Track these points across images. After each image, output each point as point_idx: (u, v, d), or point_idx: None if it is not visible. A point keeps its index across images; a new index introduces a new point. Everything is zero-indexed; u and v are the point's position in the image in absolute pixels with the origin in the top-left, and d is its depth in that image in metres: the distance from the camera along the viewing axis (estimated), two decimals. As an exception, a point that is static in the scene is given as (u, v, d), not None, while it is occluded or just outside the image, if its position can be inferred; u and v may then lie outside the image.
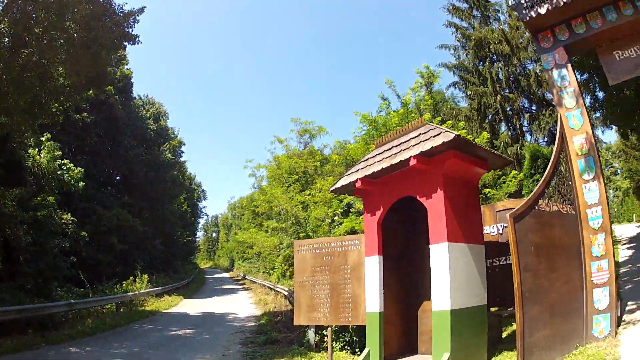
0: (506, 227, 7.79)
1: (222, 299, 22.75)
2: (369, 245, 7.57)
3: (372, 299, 7.33)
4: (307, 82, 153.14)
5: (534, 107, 21.56)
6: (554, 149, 6.85)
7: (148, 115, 33.51)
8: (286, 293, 16.63)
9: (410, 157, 6.52)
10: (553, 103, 7.18)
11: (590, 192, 6.57)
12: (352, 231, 14.49)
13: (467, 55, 22.41)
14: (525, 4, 7.19)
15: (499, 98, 20.57)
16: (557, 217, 6.46)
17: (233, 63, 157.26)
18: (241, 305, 18.90)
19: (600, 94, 14.36)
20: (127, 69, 28.17)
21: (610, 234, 6.46)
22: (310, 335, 9.60)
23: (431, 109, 15.88)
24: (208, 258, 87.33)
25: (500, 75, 20.97)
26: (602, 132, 24.24)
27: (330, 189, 8.44)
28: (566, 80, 7.02)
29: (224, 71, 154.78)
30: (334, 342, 9.14)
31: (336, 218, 15.76)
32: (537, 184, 14.64)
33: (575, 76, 7.14)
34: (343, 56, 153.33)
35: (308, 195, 17.61)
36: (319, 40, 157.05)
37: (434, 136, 6.44)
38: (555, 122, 15.88)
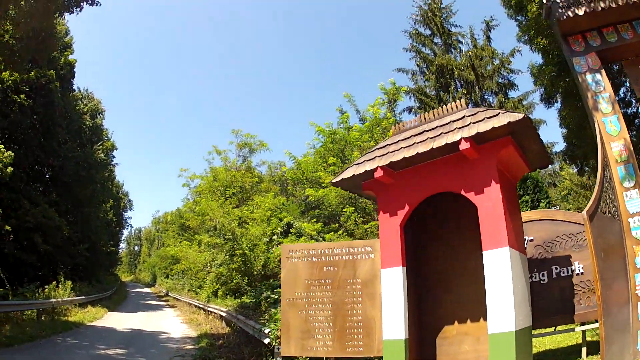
0: (531, 240, 7.03)
1: (148, 314, 21.04)
2: (387, 253, 6.10)
3: (392, 322, 5.80)
4: (256, 93, 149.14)
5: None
6: (599, 153, 6.32)
7: (86, 110, 30.56)
8: (223, 314, 14.84)
9: (461, 139, 5.38)
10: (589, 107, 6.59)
11: (631, 200, 6.10)
12: None
13: (425, 81, 22.66)
14: (560, 4, 6.95)
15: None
16: (610, 224, 5.79)
17: (169, 71, 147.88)
18: (171, 324, 17.38)
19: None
20: (71, 57, 25.05)
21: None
22: None
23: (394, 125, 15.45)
24: (129, 271, 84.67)
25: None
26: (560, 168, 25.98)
27: (333, 181, 6.79)
28: (601, 86, 6.75)
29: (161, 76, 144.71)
30: None
31: (275, 237, 14.95)
32: (526, 205, 14.47)
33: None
34: (297, 68, 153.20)
35: (246, 210, 16.54)
36: (275, 50, 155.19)
37: (489, 117, 5.43)
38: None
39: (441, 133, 5.78)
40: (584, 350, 6.61)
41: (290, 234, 14.26)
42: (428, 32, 23.60)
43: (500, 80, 21.84)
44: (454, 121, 5.86)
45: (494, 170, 5.50)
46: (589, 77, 6.83)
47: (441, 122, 6.04)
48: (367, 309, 6.21)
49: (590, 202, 5.43)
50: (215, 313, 16.89)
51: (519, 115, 5.16)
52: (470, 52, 22.02)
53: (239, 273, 15.05)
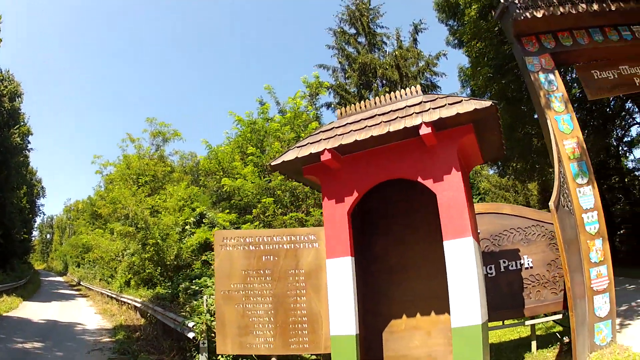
0: (478, 233, 6.89)
1: (62, 304, 19.95)
2: (333, 242, 5.60)
3: (341, 316, 5.33)
4: (175, 83, 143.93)
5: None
6: (553, 149, 6.31)
7: (5, 92, 28.45)
8: (138, 305, 13.88)
9: (422, 123, 5.05)
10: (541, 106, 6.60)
11: (584, 196, 6.17)
12: (206, 243, 13.26)
13: (347, 78, 22.57)
14: (518, 5, 6.96)
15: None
16: (568, 218, 5.74)
17: (85, 55, 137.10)
18: (85, 315, 16.53)
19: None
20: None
21: (607, 240, 6.00)
22: None
23: (314, 119, 15.61)
24: (42, 260, 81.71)
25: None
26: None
27: (273, 164, 6.12)
28: (554, 85, 6.81)
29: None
30: None
31: (188, 227, 14.60)
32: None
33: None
34: (218, 60, 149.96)
35: (159, 199, 16.23)
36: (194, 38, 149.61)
37: (452, 103, 5.17)
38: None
39: (397, 117, 5.42)
40: (533, 344, 6.55)
41: (203, 224, 13.86)
42: (353, 31, 23.66)
43: (423, 82, 22.19)
44: (410, 106, 5.55)
45: (454, 157, 5.23)
46: (541, 76, 6.86)
47: (395, 106, 5.70)
48: (312, 302, 5.67)
49: (554, 194, 5.33)
50: (129, 304, 16.01)
51: (485, 103, 4.93)
52: (396, 52, 22.23)
53: (152, 263, 14.57)
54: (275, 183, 12.43)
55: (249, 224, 12.01)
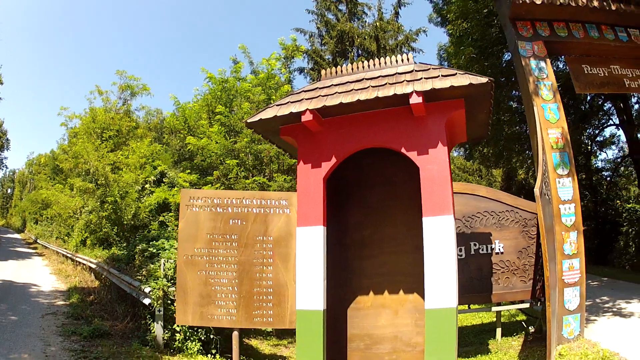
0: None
1: (19, 263, 19.23)
2: (306, 209, 5.23)
3: (308, 290, 5.02)
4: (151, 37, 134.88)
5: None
6: (538, 137, 6.18)
7: None
8: (93, 266, 13.23)
9: (413, 92, 4.75)
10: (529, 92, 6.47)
11: (564, 187, 6.13)
12: (165, 203, 12.90)
13: (323, 45, 22.19)
14: (520, -14, 6.74)
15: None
16: (547, 206, 5.63)
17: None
18: (40, 275, 15.85)
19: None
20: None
21: (582, 233, 5.97)
22: (158, 330, 6.68)
23: (287, 82, 15.39)
24: (1, 216, 77.52)
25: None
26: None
27: (249, 121, 5.63)
28: (544, 73, 6.70)
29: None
30: (188, 342, 6.60)
31: (147, 186, 14.15)
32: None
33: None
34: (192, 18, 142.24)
35: (121, 155, 15.72)
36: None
37: (446, 75, 4.90)
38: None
39: (387, 83, 5.09)
40: (498, 330, 6.51)
41: (163, 184, 13.44)
42: None
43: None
44: (401, 73, 5.23)
45: (442, 131, 4.97)
46: (532, 62, 6.75)
47: (384, 72, 5.37)
48: (279, 273, 5.35)
49: (538, 181, 5.18)
50: (84, 264, 15.31)
51: (482, 79, 4.66)
52: (377, 23, 21.93)
53: (109, 222, 13.85)
54: (241, 145, 12.05)
55: (210, 185, 11.61)
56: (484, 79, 4.66)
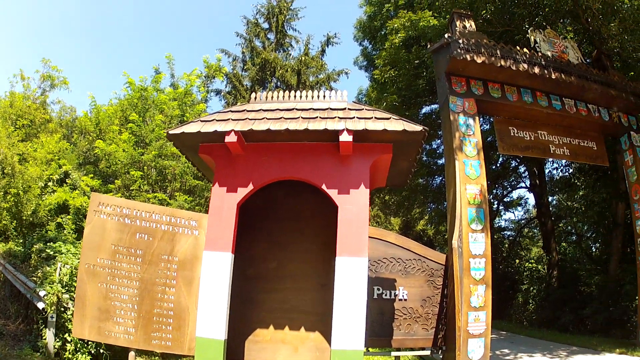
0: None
1: None
2: (215, 233, 5.01)
3: (210, 317, 4.76)
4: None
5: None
6: (457, 190, 6.44)
7: None
8: None
9: (345, 129, 4.81)
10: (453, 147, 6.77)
11: (476, 242, 6.38)
12: (64, 205, 12.31)
13: (244, 71, 22.15)
14: (461, 45, 7.07)
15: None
16: (460, 259, 5.85)
17: None
18: None
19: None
20: None
21: (491, 287, 6.21)
22: (49, 337, 6.26)
23: (203, 101, 15.38)
24: None
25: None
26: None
27: (171, 133, 5.31)
28: (471, 130, 6.99)
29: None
30: (78, 354, 6.28)
31: (50, 184, 13.40)
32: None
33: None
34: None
35: (30, 147, 14.73)
36: None
37: (380, 118, 5.03)
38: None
39: (318, 117, 5.10)
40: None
41: (65, 184, 12.92)
42: (266, 25, 23.34)
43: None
44: (334, 109, 5.28)
45: (366, 173, 5.03)
46: (461, 118, 7.03)
47: (315, 105, 5.42)
48: (182, 296, 5.06)
49: (456, 233, 5.37)
50: None
51: (417, 127, 4.81)
52: (302, 57, 22.13)
53: (10, 214, 12.78)
54: (148, 157, 11.80)
55: (111, 193, 11.19)
56: (419, 127, 4.79)
